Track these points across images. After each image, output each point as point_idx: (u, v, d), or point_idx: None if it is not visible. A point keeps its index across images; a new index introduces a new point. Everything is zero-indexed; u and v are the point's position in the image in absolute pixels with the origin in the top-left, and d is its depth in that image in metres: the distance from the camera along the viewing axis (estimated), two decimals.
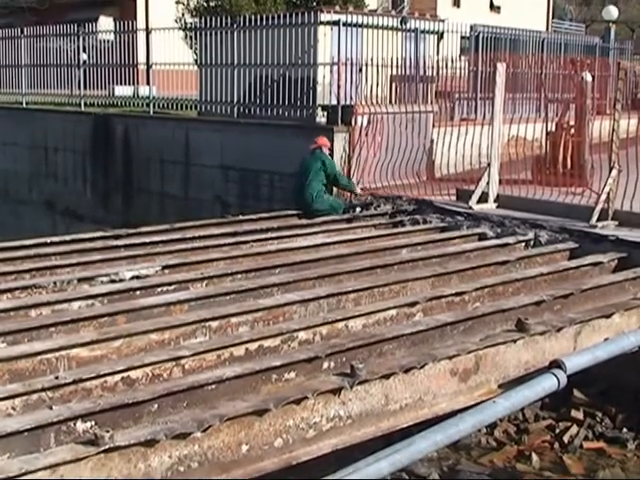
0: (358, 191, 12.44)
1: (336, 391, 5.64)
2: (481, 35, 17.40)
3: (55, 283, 7.87)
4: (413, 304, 7.50)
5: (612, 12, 26.93)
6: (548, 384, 6.42)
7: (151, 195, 16.00)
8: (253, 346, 6.33)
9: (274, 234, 10.63)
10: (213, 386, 5.50)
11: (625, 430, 8.71)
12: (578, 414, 9.00)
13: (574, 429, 8.72)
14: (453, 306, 7.77)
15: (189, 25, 20.50)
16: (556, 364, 6.57)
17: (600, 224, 10.35)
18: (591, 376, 7.73)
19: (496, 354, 6.70)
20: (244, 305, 7.26)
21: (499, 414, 6.20)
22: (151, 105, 17.33)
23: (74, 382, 5.40)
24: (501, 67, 11.95)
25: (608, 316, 7.70)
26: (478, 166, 12.76)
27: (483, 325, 7.21)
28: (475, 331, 7.08)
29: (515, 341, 6.83)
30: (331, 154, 12.44)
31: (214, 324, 6.80)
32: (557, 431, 8.77)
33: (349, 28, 14.26)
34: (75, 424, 4.92)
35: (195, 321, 6.71)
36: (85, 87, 19.10)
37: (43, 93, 20.06)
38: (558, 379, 6.45)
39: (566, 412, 9.07)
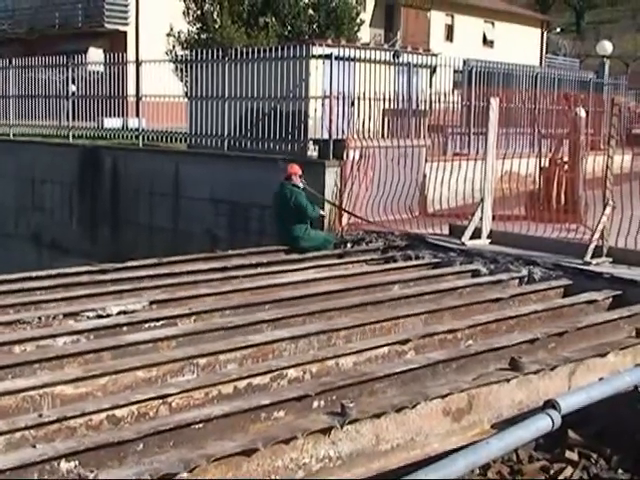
0: (322, 213, 12.36)
1: (326, 431, 5.61)
2: (474, 69, 17.56)
3: (40, 318, 7.84)
4: (405, 342, 7.49)
5: (606, 47, 27.23)
6: (542, 424, 6.40)
7: (139, 228, 15.99)
8: (242, 384, 6.30)
9: (264, 269, 10.63)
10: (200, 425, 5.47)
11: (620, 471, 8.64)
12: (573, 455, 8.93)
13: (569, 470, 8.64)
14: (446, 344, 7.76)
15: (180, 57, 20.64)
16: (550, 404, 6.54)
17: (595, 261, 10.39)
18: (586, 416, 7.71)
19: (489, 393, 6.68)
20: (233, 342, 7.24)
21: (492, 455, 6.16)
22: (140, 137, 17.39)
23: (58, 420, 5.36)
24: (494, 102, 12.06)
25: (603, 355, 7.70)
26: (471, 201, 12.83)
27: (476, 364, 7.20)
28: (468, 370, 7.07)
29: (509, 380, 6.81)
30: (317, 186, 12.44)
31: (202, 361, 6.78)
32: (551, 472, 8.68)
33: (341, 61, 14.36)
34: (59, 464, 4.88)
35: (183, 358, 6.69)
36: (74, 119, 19.14)
37: (31, 124, 20.11)
38: (552, 419, 6.42)
39: (560, 453, 8.99)
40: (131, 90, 18.26)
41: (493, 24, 47.46)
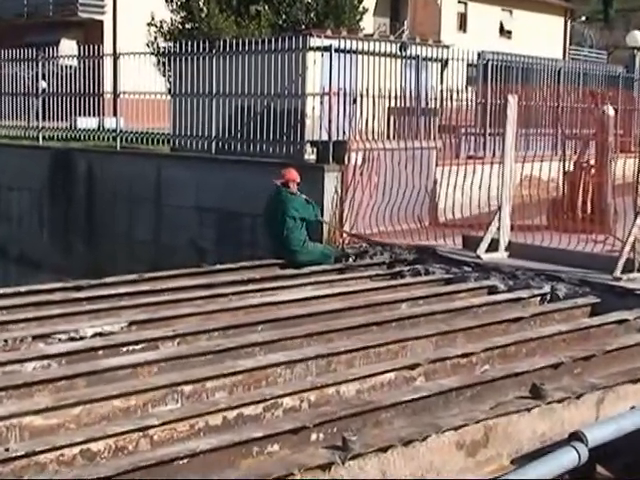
0: (330, 225, 12.44)
1: (326, 467, 5.60)
2: (490, 63, 17.60)
3: (6, 341, 7.83)
4: (414, 367, 7.49)
5: (637, 38, 27.20)
6: (567, 459, 6.39)
7: (117, 240, 15.99)
8: (231, 414, 6.30)
9: (256, 286, 10.63)
10: (185, 460, 5.46)
11: None
12: None
13: None
14: (459, 369, 7.76)
15: (162, 50, 20.70)
16: (576, 436, 6.54)
17: (625, 276, 10.39)
18: (615, 449, 7.70)
19: (508, 424, 6.68)
20: (221, 367, 7.24)
21: None
22: (118, 139, 17.41)
23: (26, 455, 5.35)
24: (512, 99, 12.09)
25: (635, 381, 7.70)
26: (487, 210, 12.84)
27: (493, 391, 7.20)
28: (484, 398, 7.06)
29: (530, 410, 6.81)
30: (315, 192, 12.46)
31: (187, 389, 6.77)
32: None
33: (342, 54, 14.40)
34: None
35: (165, 385, 6.68)
36: (44, 118, 19.18)
37: None
38: (579, 453, 6.42)
39: None
40: (108, 86, 18.32)
41: (511, 12, 47.66)
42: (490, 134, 16.67)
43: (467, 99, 16.35)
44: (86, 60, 18.39)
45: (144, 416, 6.24)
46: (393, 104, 14.83)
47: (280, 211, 11.75)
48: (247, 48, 15.25)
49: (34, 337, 7.98)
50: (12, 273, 17.44)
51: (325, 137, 13.59)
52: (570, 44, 49.81)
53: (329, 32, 16.27)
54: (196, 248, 14.47)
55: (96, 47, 18.62)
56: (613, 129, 13.75)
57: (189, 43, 16.23)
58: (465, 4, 45.59)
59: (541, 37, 44.69)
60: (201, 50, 15.86)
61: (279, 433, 5.93)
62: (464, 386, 7.06)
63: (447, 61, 16.58)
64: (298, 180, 12.02)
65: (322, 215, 12.59)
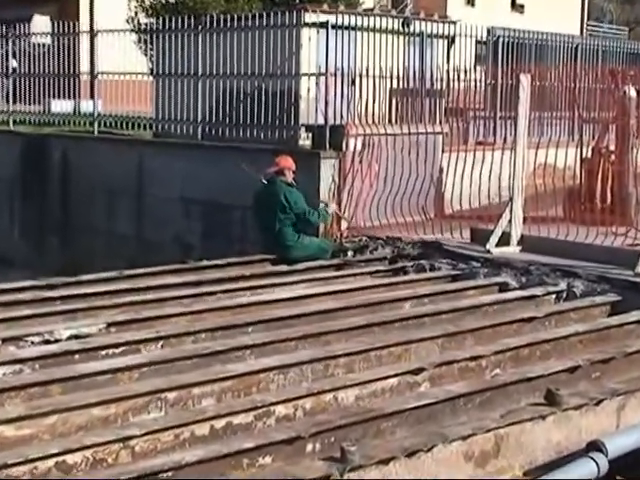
0: (343, 216, 12.43)
1: None
2: (501, 40, 17.60)
3: None
4: (418, 371, 7.49)
5: None
6: (585, 470, 6.40)
7: (95, 234, 15.99)
8: (220, 423, 6.30)
9: (246, 284, 10.63)
10: (170, 473, 5.47)
11: None
12: None
13: None
14: (467, 374, 7.77)
15: (143, 26, 20.67)
16: (595, 446, 6.55)
17: None
18: (637, 459, 7.71)
19: (521, 433, 6.68)
20: (209, 372, 7.24)
21: None
22: (96, 124, 17.40)
23: None
24: (525, 79, 12.08)
25: None
26: (498, 200, 12.83)
27: (505, 397, 7.21)
28: (495, 405, 7.07)
29: (544, 417, 6.82)
30: (309, 183, 12.46)
31: (171, 395, 6.77)
32: None
33: (339, 31, 14.41)
34: None
35: (148, 392, 6.68)
36: (15, 101, 19.16)
37: None
38: (598, 464, 6.43)
39: None
40: (84, 66, 18.31)
41: None
42: (501, 118, 16.68)
43: (476, 79, 16.32)
44: (61, 37, 18.39)
45: (125, 425, 6.24)
46: (395, 85, 14.81)
47: (273, 203, 11.71)
48: (236, 24, 15.23)
49: (4, 340, 7.97)
50: None
51: (321, 121, 13.59)
52: (588, 19, 49.74)
53: (325, 7, 16.22)
54: (181, 243, 14.47)
55: (72, 23, 18.60)
56: (635, 112, 13.73)
57: (173, 19, 16.21)
58: None
59: (556, 12, 44.60)
60: (186, 26, 15.85)
61: (272, 443, 5.93)
62: (473, 392, 7.07)
63: (454, 38, 16.58)
64: (294, 168, 11.99)
65: (318, 205, 12.55)
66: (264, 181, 11.89)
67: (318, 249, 11.98)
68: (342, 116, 13.69)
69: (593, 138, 14.27)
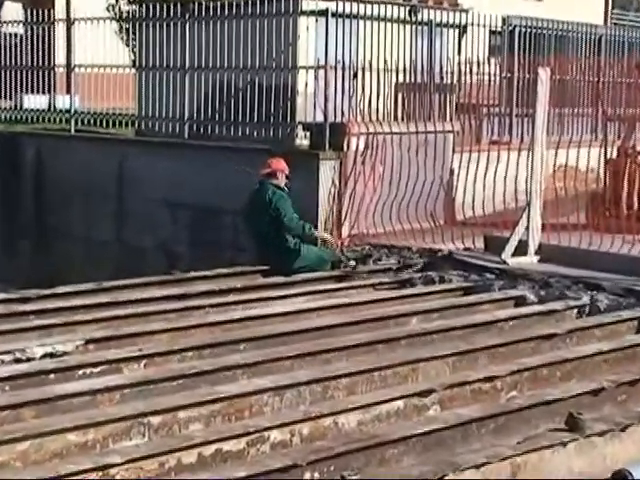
0: (326, 236, 12.39)
1: None
2: (517, 30, 17.63)
3: None
4: (427, 393, 7.48)
5: None
6: None
7: (72, 242, 15.98)
8: (208, 450, 6.28)
9: (238, 297, 10.63)
10: None
11: None
12: None
13: None
14: (481, 396, 7.76)
15: (125, 14, 20.70)
16: (621, 475, 6.53)
17: None
18: None
19: (540, 462, 6.66)
20: (196, 394, 7.23)
21: None
22: (73, 121, 17.39)
23: None
24: (544, 73, 12.09)
25: None
26: (514, 206, 12.84)
27: (522, 422, 7.20)
28: (511, 431, 7.06)
29: (565, 444, 6.80)
30: (306, 187, 12.45)
31: (155, 420, 6.76)
32: None
33: (340, 20, 14.40)
34: None
35: (130, 416, 6.67)
36: None
37: None
38: None
39: None
40: (60, 58, 18.31)
41: None
42: (517, 115, 16.69)
43: (490, 73, 16.34)
44: (34, 27, 18.41)
45: (104, 452, 6.22)
46: (401, 79, 14.83)
47: (264, 208, 11.71)
48: (227, 13, 15.27)
49: None
50: None
51: (320, 118, 13.60)
52: (613, 8, 49.83)
53: None
54: (167, 251, 14.47)
55: (46, 11, 18.61)
56: None
57: (158, 6, 16.22)
58: None
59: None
60: (172, 15, 15.86)
61: (266, 472, 5.91)
62: (487, 416, 7.06)
63: (466, 27, 16.56)
64: (287, 172, 11.96)
65: (316, 211, 12.56)
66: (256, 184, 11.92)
67: (317, 259, 11.96)
68: (343, 113, 13.71)
69: (619, 137, 14.28)
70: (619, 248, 11.64)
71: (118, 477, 5.87)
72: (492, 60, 17.14)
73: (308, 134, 14.00)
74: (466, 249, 12.45)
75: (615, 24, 40.72)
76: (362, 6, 15.25)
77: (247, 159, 13.11)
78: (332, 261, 12.15)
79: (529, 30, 17.84)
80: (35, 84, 18.38)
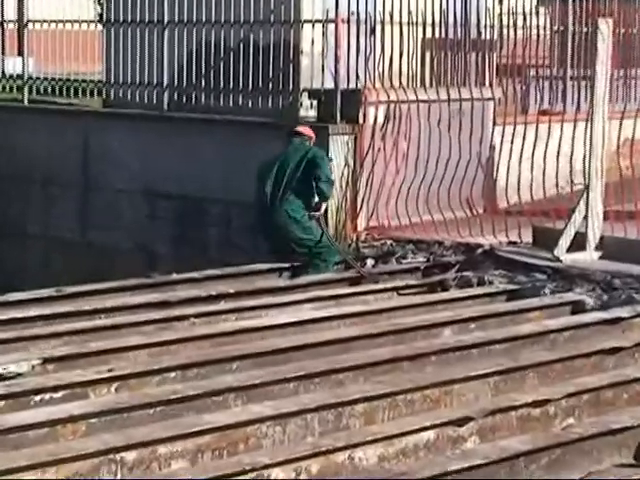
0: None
1: None
2: None
3: None
4: (463, 421, 7.50)
5: None
6: None
7: (27, 241, 16.01)
8: None
9: (230, 304, 10.65)
10: None
11: None
12: None
13: None
14: (530, 424, 7.77)
15: None
16: None
17: None
18: None
19: None
20: (180, 424, 7.25)
21: None
22: (26, 89, 17.37)
23: None
24: (605, 26, 12.06)
25: None
26: (569, 190, 12.83)
27: (581, 456, 7.21)
28: (568, 465, 7.08)
29: None
30: None
31: (130, 456, 6.78)
32: None
33: None
34: None
35: (98, 452, 6.68)
36: None
37: None
38: None
39: None
40: (9, 13, 18.30)
41: None
42: (572, 78, 16.65)
43: (538, 26, 16.32)
44: None
45: None
46: (430, 35, 14.79)
47: (287, 163, 12.03)
48: None
49: None
50: None
51: (330, 85, 13.58)
52: None
53: None
54: (143, 250, 14.48)
55: None
56: None
57: None
58: None
59: None
60: None
61: None
62: (538, 449, 7.07)
63: None
64: (314, 138, 12.44)
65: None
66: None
67: (323, 245, 11.94)
68: (358, 77, 13.68)
69: None
70: None
71: None
72: (541, 10, 17.10)
73: (315, 103, 13.98)
74: (510, 243, 12.45)
75: None
76: None
77: (242, 136, 13.12)
78: (340, 259, 12.18)
79: None
80: None
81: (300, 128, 12.41)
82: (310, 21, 14.40)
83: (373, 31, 14.10)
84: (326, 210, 12.47)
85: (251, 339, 9.47)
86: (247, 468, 6.57)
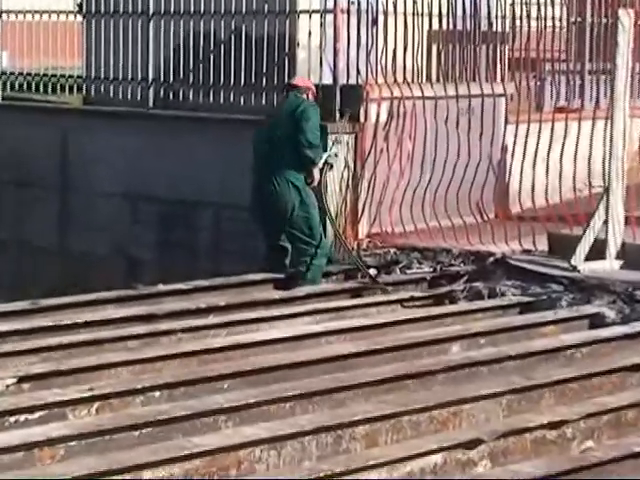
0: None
1: None
2: None
3: None
4: (473, 444, 7.49)
5: None
6: None
7: (0, 248, 16.00)
8: None
9: (220, 318, 10.65)
10: None
11: None
12: None
13: None
14: (546, 447, 7.77)
15: None
16: None
17: None
18: None
19: None
20: (167, 447, 7.24)
21: None
22: (0, 85, 17.39)
23: None
24: (627, 17, 12.08)
25: None
26: (587, 193, 12.83)
27: None
28: None
29: None
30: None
31: None
32: None
33: None
34: None
35: (79, 477, 6.67)
36: None
37: None
38: None
39: None
40: None
41: None
42: (591, 72, 16.66)
43: (554, 17, 16.33)
44: None
45: None
46: (436, 26, 14.81)
47: (282, 119, 12.12)
48: None
49: None
50: None
51: (329, 80, 13.59)
52: None
53: None
54: (126, 258, 14.48)
55: None
56: None
57: None
58: None
59: None
60: None
61: None
62: (555, 474, 7.06)
63: None
64: (314, 89, 12.53)
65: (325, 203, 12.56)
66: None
67: (317, 233, 11.99)
68: (359, 72, 13.70)
69: None
70: None
71: None
72: (557, 0, 17.12)
73: None
74: (524, 252, 12.46)
75: None
76: None
77: (233, 135, 13.11)
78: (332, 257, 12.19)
79: None
80: None
81: (295, 80, 12.51)
82: (307, 11, 14.42)
83: (375, 22, 14.10)
84: (326, 184, 12.48)
85: (243, 356, 9.48)
86: None
